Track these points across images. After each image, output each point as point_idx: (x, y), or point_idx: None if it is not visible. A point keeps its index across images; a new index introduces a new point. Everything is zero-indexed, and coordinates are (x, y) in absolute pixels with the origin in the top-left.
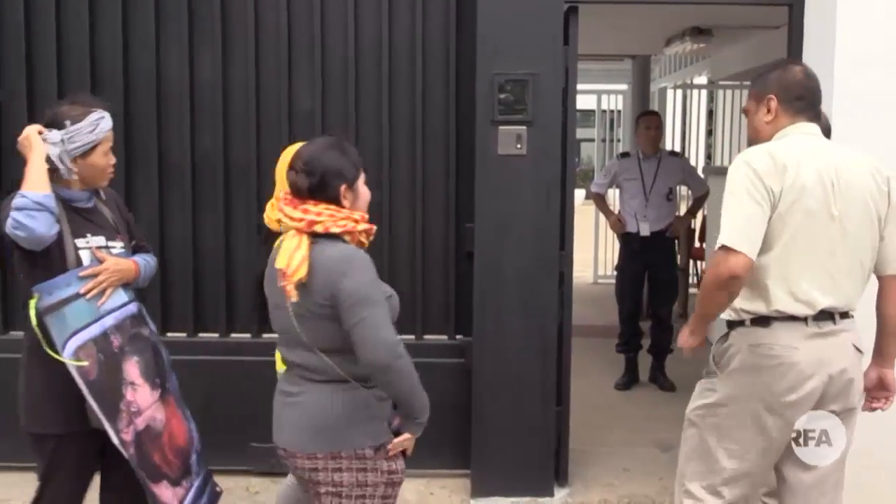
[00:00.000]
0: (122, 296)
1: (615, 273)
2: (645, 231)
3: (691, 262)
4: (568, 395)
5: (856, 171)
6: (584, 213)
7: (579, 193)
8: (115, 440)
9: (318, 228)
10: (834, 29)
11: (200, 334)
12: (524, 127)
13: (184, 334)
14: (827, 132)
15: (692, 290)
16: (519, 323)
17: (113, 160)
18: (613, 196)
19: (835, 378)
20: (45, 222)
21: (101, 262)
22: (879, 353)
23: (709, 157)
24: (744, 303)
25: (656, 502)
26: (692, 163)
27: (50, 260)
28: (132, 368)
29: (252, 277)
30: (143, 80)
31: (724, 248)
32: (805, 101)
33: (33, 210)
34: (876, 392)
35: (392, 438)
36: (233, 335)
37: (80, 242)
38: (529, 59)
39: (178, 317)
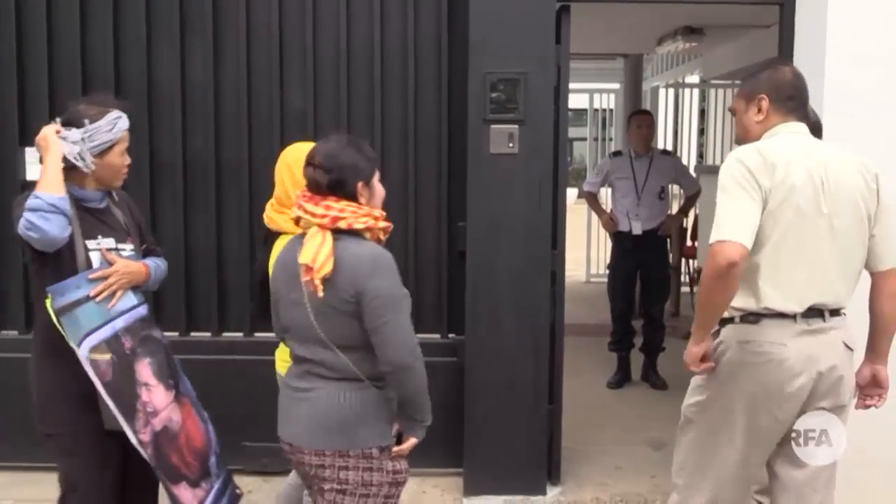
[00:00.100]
0: (131, 298)
1: (607, 272)
2: (637, 230)
3: (683, 260)
4: (560, 394)
5: (845, 170)
6: (576, 212)
7: (571, 192)
8: (133, 440)
9: (342, 225)
10: (825, 28)
11: (192, 333)
12: (516, 126)
13: (176, 333)
14: (817, 129)
15: (684, 289)
16: (511, 322)
17: (128, 160)
18: (606, 195)
19: (824, 375)
20: (58, 225)
21: (111, 264)
22: (872, 350)
23: (701, 155)
24: (734, 300)
25: (648, 500)
26: (684, 161)
27: (60, 261)
28: (144, 369)
29: (245, 276)
30: (135, 80)
31: (719, 241)
32: (795, 101)
33: (47, 212)
34: (869, 389)
35: (394, 440)
36: (225, 334)
37: (90, 244)
38: (521, 58)
39: (169, 316)
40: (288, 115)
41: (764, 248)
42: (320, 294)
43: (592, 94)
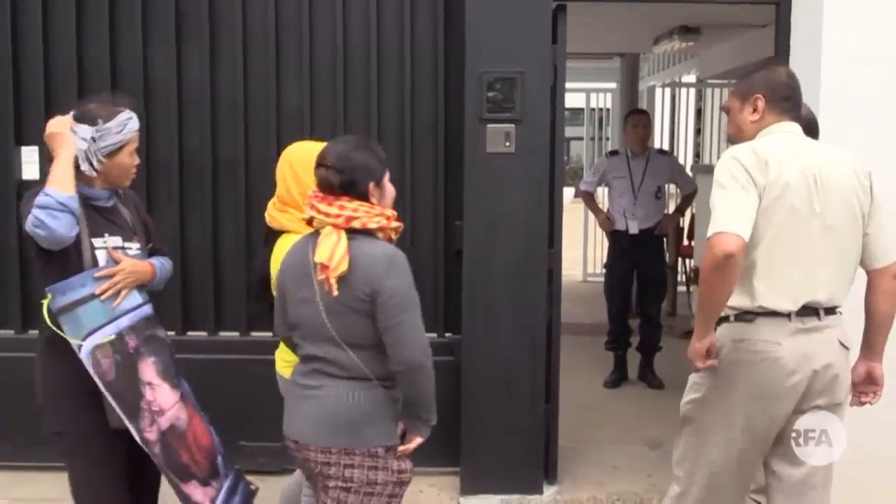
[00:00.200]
0: (136, 297)
1: (604, 271)
2: (633, 229)
3: (680, 260)
4: (557, 393)
5: (838, 169)
6: (573, 212)
7: (568, 192)
8: (137, 439)
9: (356, 224)
10: (821, 27)
11: (189, 332)
12: (513, 125)
13: (172, 332)
14: (813, 126)
15: (681, 289)
16: (508, 321)
17: (137, 160)
18: (602, 194)
19: (819, 373)
20: (66, 223)
21: (117, 262)
22: (867, 347)
23: (697, 155)
24: (730, 299)
25: (645, 500)
26: (680, 161)
27: (66, 259)
28: (148, 369)
29: (241, 276)
30: (131, 79)
31: (716, 233)
32: (791, 101)
33: (56, 210)
34: (864, 386)
35: (399, 440)
36: (221, 333)
37: (97, 242)
38: (518, 58)
39: (166, 315)
40: (284, 115)
41: (758, 246)
42: (335, 293)
43: (589, 94)
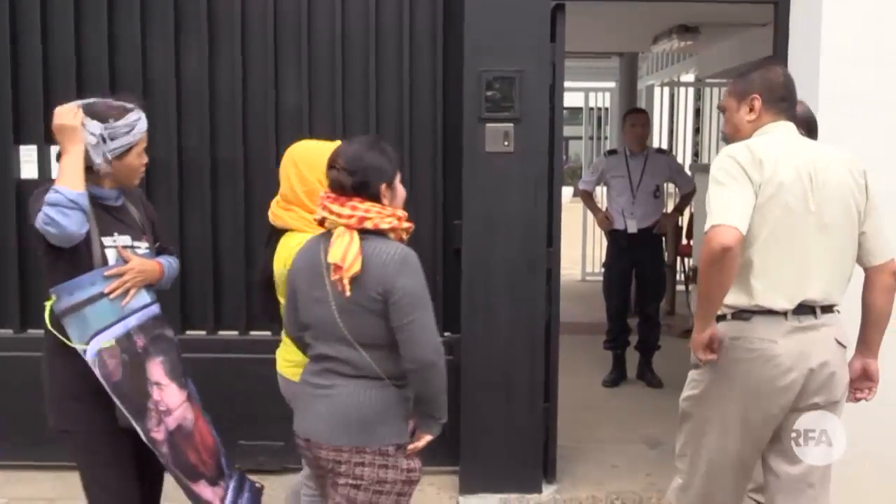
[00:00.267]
0: (145, 296)
1: (603, 270)
2: (632, 228)
3: (678, 259)
4: (556, 392)
5: (833, 168)
6: (571, 211)
7: (567, 191)
8: (143, 438)
9: (369, 225)
10: (819, 26)
11: (188, 331)
12: (511, 124)
13: None
14: (812, 125)
15: (679, 287)
16: (507, 320)
17: (146, 160)
18: (601, 193)
19: (815, 371)
20: (77, 221)
21: (126, 261)
22: (863, 344)
23: (696, 154)
24: (727, 297)
25: (644, 498)
26: (679, 160)
27: (76, 257)
28: (156, 368)
29: (241, 275)
30: (130, 78)
31: (713, 226)
32: (787, 101)
33: (66, 207)
34: (860, 383)
35: (409, 439)
36: (220, 332)
37: (106, 241)
38: (517, 57)
39: (165, 314)
40: (283, 114)
41: (754, 245)
42: (348, 293)
43: (588, 93)
